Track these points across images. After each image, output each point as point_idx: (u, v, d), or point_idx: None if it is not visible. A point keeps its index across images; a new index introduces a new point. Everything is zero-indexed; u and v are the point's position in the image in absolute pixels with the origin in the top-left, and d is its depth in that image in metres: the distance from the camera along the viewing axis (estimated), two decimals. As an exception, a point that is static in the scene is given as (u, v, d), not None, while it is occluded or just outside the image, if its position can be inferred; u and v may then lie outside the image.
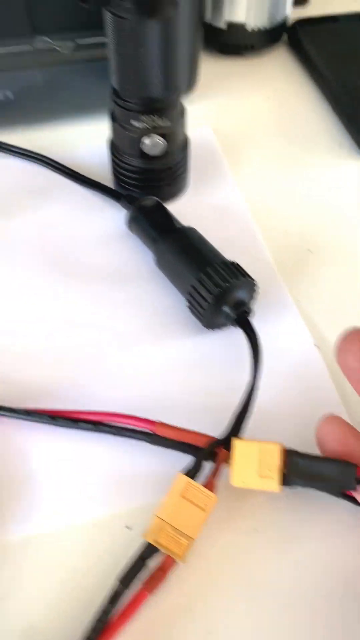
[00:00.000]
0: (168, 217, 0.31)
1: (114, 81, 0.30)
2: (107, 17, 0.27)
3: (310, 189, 0.37)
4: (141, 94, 0.29)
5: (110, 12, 0.27)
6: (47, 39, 0.34)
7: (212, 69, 0.45)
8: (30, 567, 0.22)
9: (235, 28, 0.44)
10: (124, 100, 0.30)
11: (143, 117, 0.30)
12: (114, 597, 0.21)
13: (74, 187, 0.36)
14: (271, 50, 0.47)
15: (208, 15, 0.44)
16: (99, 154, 0.37)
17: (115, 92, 0.31)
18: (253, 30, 0.44)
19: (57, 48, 0.35)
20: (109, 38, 0.28)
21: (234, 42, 0.45)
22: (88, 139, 0.38)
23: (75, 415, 0.25)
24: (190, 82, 0.40)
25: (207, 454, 0.23)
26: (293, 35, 0.46)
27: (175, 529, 0.21)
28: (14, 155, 0.37)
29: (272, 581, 0.22)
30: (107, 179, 0.36)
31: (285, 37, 0.47)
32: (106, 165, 0.36)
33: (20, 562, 0.22)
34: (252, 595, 0.22)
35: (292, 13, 0.46)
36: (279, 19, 0.45)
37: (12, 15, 0.33)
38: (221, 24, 0.44)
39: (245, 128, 0.41)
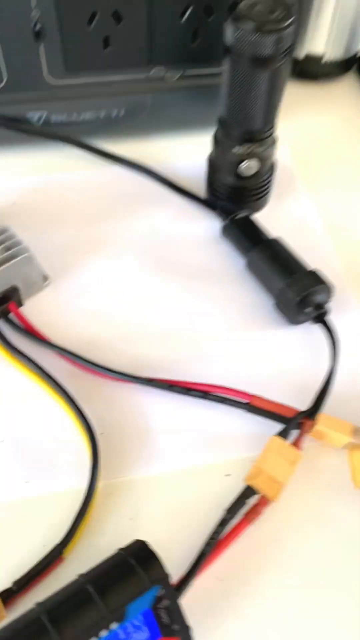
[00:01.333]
0: (258, 229, 0.38)
1: (223, 113, 0.36)
2: (227, 63, 0.33)
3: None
4: (246, 127, 0.35)
5: (231, 59, 0.33)
6: (160, 68, 0.41)
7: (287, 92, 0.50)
8: (152, 498, 0.29)
9: (313, 59, 0.50)
10: (228, 130, 0.36)
11: (243, 145, 0.36)
12: (222, 523, 0.27)
13: (173, 197, 0.42)
14: (342, 78, 0.52)
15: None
16: (194, 168, 0.43)
17: (221, 122, 0.37)
18: (329, 61, 0.50)
19: (168, 77, 0.41)
20: (224, 79, 0.34)
21: (309, 71, 0.51)
22: (185, 154, 0.45)
23: (188, 385, 0.31)
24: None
25: (296, 422, 0.29)
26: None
27: (270, 477, 0.28)
28: (121, 165, 0.43)
29: (342, 523, 0.28)
30: (201, 191, 0.42)
31: (355, 67, 0.53)
32: (200, 179, 0.42)
33: (144, 494, 0.29)
34: (325, 534, 0.28)
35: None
36: (352, 52, 0.50)
37: (135, 49, 0.39)
38: (300, 55, 0.50)
39: (320, 149, 0.46)
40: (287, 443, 0.28)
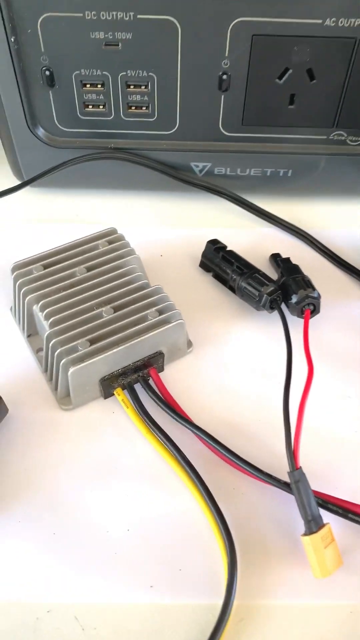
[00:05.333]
0: None
1: None
2: None
3: None
4: None
5: None
6: (342, 132, 0.37)
7: None
8: (291, 634, 0.25)
9: None
10: None
11: None
12: None
13: (329, 266, 0.38)
14: None
15: None
16: (354, 238, 0.39)
17: None
18: None
19: (349, 141, 0.37)
20: None
21: None
22: (347, 221, 0.41)
23: (348, 506, 0.27)
24: None
25: None
26: None
27: None
28: (278, 226, 0.40)
29: None
30: (356, 261, 0.38)
31: None
32: (357, 250, 0.38)
33: (281, 627, 0.25)
34: None
35: None
36: None
37: (321, 110, 0.36)
38: None
39: None
40: None
